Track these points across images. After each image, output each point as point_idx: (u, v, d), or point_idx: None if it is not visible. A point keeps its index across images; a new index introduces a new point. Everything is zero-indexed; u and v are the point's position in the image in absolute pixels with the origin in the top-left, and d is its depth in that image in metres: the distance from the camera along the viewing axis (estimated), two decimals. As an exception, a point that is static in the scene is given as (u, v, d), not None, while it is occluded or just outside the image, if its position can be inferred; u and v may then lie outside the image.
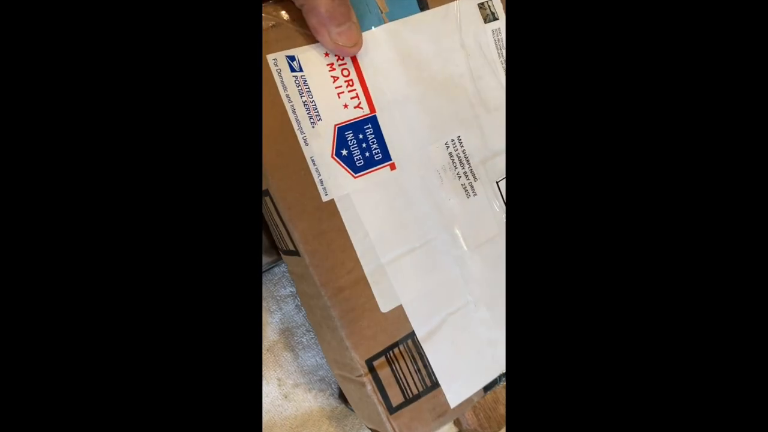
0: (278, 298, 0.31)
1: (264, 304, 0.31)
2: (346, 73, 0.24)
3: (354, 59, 0.24)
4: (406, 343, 0.25)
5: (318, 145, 0.23)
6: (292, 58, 0.23)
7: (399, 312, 0.24)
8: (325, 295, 0.23)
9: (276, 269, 0.31)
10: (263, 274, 0.31)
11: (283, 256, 0.26)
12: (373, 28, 0.25)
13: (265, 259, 0.29)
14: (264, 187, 0.23)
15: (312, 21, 0.21)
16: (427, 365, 0.25)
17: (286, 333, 0.31)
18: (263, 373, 0.30)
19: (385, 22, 0.25)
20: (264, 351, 0.30)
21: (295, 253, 0.23)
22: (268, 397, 0.30)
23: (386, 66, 0.25)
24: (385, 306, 0.24)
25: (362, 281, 0.24)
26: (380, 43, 0.25)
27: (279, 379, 0.31)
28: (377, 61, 0.25)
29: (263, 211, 0.24)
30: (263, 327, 0.30)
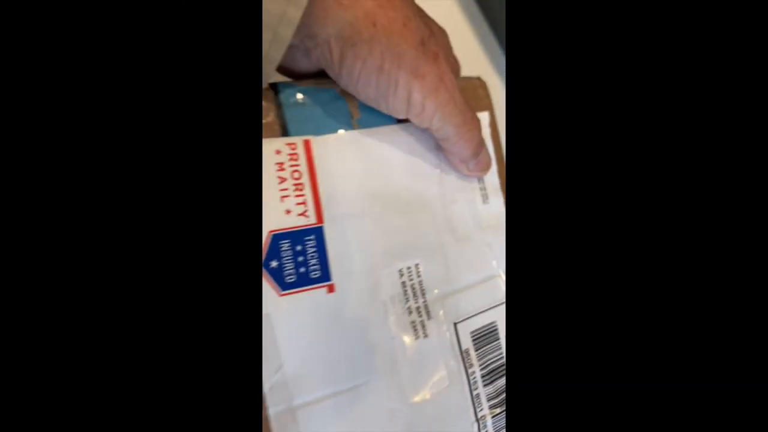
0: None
1: None
2: (297, 175, 0.21)
3: (310, 162, 0.21)
4: None
5: (243, 252, 0.20)
6: (235, 151, 0.20)
7: (301, 475, 0.19)
8: (210, 438, 0.18)
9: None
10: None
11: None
12: (339, 131, 0.22)
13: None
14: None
15: (454, 160, 0.24)
16: None
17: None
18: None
19: (354, 128, 0.23)
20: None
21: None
22: None
23: (346, 174, 0.22)
24: (285, 463, 0.19)
25: (263, 426, 0.19)
26: (345, 149, 0.22)
27: None
28: (336, 167, 0.22)
29: None
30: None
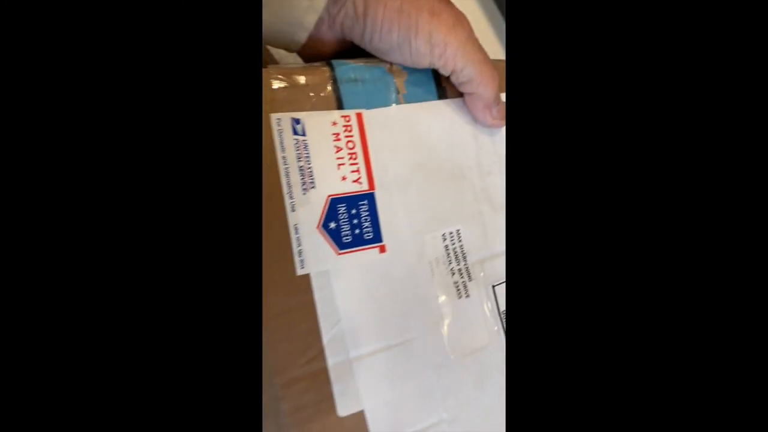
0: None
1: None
2: (351, 145, 0.23)
3: (362, 134, 0.23)
4: (361, 460, 0.21)
5: (305, 213, 0.21)
6: (296, 121, 0.22)
7: (359, 419, 0.21)
8: (277, 384, 0.20)
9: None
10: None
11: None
12: (389, 105, 0.24)
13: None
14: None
15: (479, 106, 0.25)
16: (380, 493, 0.21)
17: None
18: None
19: (400, 103, 0.24)
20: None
21: (255, 327, 0.21)
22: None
23: (394, 145, 0.24)
24: (343, 409, 0.21)
25: (322, 375, 0.21)
26: (393, 122, 0.24)
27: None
28: (386, 139, 0.24)
29: None
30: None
